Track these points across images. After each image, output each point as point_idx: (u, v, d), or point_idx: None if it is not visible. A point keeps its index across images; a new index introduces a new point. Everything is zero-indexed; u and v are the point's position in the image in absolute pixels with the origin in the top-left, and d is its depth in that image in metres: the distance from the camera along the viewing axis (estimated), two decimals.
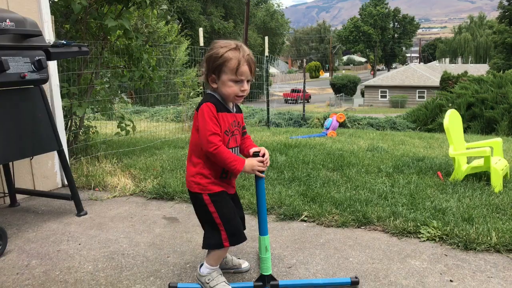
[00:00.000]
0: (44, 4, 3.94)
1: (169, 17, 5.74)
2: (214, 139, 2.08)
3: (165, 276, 2.42)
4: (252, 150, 2.23)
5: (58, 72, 4.22)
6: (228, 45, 2.13)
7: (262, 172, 2.18)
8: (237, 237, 2.23)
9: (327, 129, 8.40)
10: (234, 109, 2.27)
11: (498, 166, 3.90)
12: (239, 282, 2.36)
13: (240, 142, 2.34)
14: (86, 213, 3.48)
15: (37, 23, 3.21)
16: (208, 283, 2.24)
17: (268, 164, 2.20)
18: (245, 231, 2.33)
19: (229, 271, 2.50)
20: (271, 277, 2.27)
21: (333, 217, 3.20)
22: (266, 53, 10.40)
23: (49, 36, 3.93)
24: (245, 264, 2.53)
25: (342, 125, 10.86)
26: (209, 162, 2.18)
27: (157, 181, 4.11)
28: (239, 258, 2.57)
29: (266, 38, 10.69)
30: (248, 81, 2.17)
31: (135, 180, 4.25)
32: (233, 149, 2.24)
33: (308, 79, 61.70)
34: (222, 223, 2.19)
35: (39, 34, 3.16)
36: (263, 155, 2.20)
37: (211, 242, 2.21)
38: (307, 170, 4.46)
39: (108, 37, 5.04)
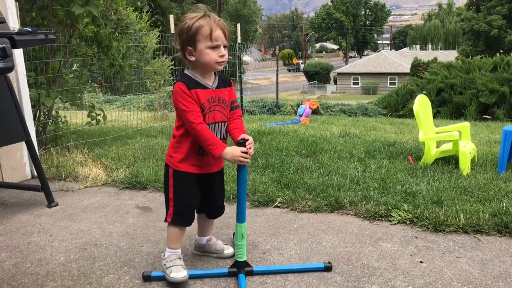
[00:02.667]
0: None
1: (138, 3, 5.64)
2: (190, 117, 2.09)
3: (138, 265, 2.41)
4: (240, 137, 2.16)
5: (25, 61, 4.10)
6: (196, 15, 2.13)
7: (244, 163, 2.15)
8: (181, 218, 2.26)
9: (300, 116, 8.44)
10: (215, 84, 2.22)
11: (466, 150, 4.00)
12: (214, 268, 2.36)
13: (230, 119, 2.30)
14: (57, 204, 3.41)
15: (0, 10, 3.10)
16: (165, 265, 2.26)
17: (251, 154, 2.14)
18: (219, 218, 2.40)
19: (211, 255, 2.51)
20: (245, 263, 2.28)
21: (306, 202, 3.24)
22: (239, 41, 10.34)
23: (13, 23, 3.81)
24: (228, 250, 2.51)
25: (315, 112, 10.91)
26: (184, 140, 2.21)
27: (129, 171, 4.06)
28: (225, 244, 2.56)
29: (239, 25, 10.61)
30: (225, 46, 2.16)
31: (107, 170, 4.19)
32: (213, 125, 2.21)
33: (281, 66, 61.69)
34: (173, 198, 2.25)
35: (2, 21, 3.07)
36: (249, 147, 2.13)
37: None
38: (280, 157, 4.48)
39: (76, 24, 4.91)
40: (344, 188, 3.47)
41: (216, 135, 2.20)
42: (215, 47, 2.12)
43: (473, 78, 13.48)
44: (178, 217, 2.26)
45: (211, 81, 2.22)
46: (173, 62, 7.94)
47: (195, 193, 2.28)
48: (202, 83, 2.18)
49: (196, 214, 2.41)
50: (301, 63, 75.85)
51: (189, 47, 2.14)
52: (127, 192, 3.73)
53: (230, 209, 3.04)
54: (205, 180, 2.31)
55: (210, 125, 2.20)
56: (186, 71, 2.22)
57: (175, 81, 2.25)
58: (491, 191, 3.35)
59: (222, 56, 2.14)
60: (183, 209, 2.26)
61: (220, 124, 2.24)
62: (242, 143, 2.12)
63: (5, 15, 3.46)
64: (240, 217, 2.26)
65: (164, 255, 2.31)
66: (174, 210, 2.25)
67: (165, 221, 2.29)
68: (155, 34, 18.21)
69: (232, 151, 2.11)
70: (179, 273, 2.19)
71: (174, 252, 2.30)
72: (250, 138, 2.15)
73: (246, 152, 2.12)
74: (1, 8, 3.51)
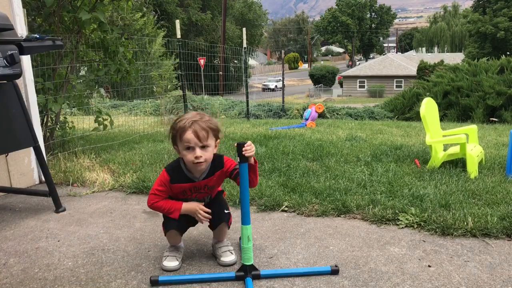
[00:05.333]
0: None
1: (144, 9, 5.67)
2: (151, 198, 2.39)
3: (146, 270, 2.41)
4: (237, 142, 2.28)
5: (32, 67, 4.14)
6: (184, 116, 2.33)
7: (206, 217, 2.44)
8: (166, 224, 2.46)
9: (306, 119, 8.44)
10: (203, 176, 2.40)
11: (473, 153, 3.98)
12: (222, 272, 2.36)
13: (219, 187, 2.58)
14: (64, 209, 3.43)
15: (8, 17, 3.13)
16: (163, 253, 2.53)
17: (252, 153, 2.28)
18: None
19: (215, 258, 2.53)
20: (252, 267, 2.28)
21: (313, 206, 3.23)
22: (245, 45, 10.37)
23: (21, 30, 3.84)
24: (225, 258, 2.46)
25: (321, 115, 10.92)
26: None
27: (136, 176, 4.07)
28: (231, 252, 2.51)
29: (244, 29, 10.64)
30: (203, 146, 2.29)
31: (114, 175, 4.21)
32: (195, 199, 2.49)
33: (287, 70, 61.75)
34: (164, 219, 2.49)
35: (10, 28, 3.09)
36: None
37: None
38: (287, 160, 4.48)
39: (83, 30, 4.95)
40: (351, 192, 3.46)
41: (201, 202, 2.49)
42: (189, 148, 2.28)
43: (480, 81, 13.42)
44: (169, 223, 2.44)
45: (198, 174, 2.40)
46: (178, 66, 7.95)
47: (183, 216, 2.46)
48: (189, 176, 2.40)
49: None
50: (307, 67, 75.86)
51: (174, 146, 2.37)
52: (134, 197, 3.74)
53: (236, 214, 3.04)
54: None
55: (192, 199, 2.48)
56: (180, 159, 2.41)
57: (167, 166, 2.46)
58: (499, 194, 3.33)
59: (197, 157, 2.28)
60: (171, 226, 2.45)
61: (203, 198, 2.52)
62: (241, 144, 2.24)
63: (13, 22, 3.49)
64: (245, 219, 2.27)
65: (167, 246, 2.58)
66: (165, 219, 2.47)
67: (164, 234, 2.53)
68: (161, 35, 18.31)
69: (187, 206, 2.40)
70: (170, 262, 2.42)
71: (171, 246, 2.54)
72: (249, 142, 2.30)
73: (205, 212, 2.42)
74: (9, 15, 3.54)
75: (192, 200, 2.47)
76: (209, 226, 2.58)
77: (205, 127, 2.28)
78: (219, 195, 2.61)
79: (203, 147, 2.29)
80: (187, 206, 2.40)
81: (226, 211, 2.52)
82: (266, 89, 38.76)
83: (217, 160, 2.44)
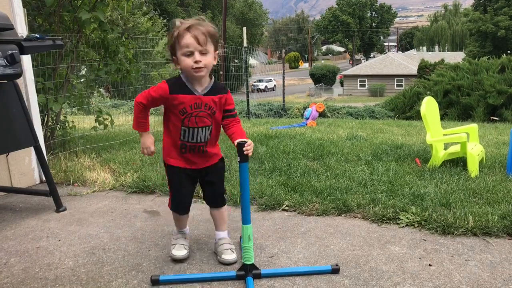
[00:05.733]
0: None
1: (145, 8, 5.67)
2: (139, 97, 2.35)
3: (146, 269, 2.41)
4: (237, 141, 2.24)
5: (33, 67, 4.14)
6: (179, 25, 2.24)
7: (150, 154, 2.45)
8: (176, 206, 2.50)
9: (307, 119, 8.44)
10: (205, 91, 2.32)
11: (474, 152, 3.98)
12: (223, 271, 2.36)
13: (227, 126, 2.43)
14: (65, 209, 3.43)
15: (8, 17, 3.13)
16: (171, 241, 2.59)
17: (251, 152, 2.23)
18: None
19: (216, 256, 2.53)
20: (253, 266, 2.28)
21: (314, 205, 3.23)
22: (245, 44, 10.37)
23: (21, 29, 3.84)
24: (225, 256, 2.46)
25: (321, 115, 10.92)
26: (169, 138, 2.42)
27: (137, 175, 4.07)
28: (232, 250, 2.50)
29: (245, 29, 10.64)
30: (202, 52, 2.23)
31: (115, 175, 4.21)
32: (196, 129, 2.35)
33: (287, 69, 61.72)
34: (170, 188, 2.51)
35: (11, 27, 3.09)
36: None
37: None
38: (287, 160, 4.48)
39: (83, 30, 4.95)
40: (351, 191, 3.46)
41: (200, 139, 2.38)
42: (188, 54, 2.22)
43: (481, 79, 13.41)
44: (174, 205, 2.50)
45: (200, 88, 2.32)
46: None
47: (186, 185, 2.46)
48: (189, 87, 2.30)
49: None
50: (307, 66, 75.78)
51: (174, 57, 2.29)
52: (135, 196, 3.74)
53: (237, 213, 3.04)
54: (197, 174, 2.48)
55: (192, 129, 2.35)
56: (181, 74, 2.33)
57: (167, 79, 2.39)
58: (500, 193, 3.32)
59: (196, 61, 2.22)
60: (177, 198, 2.48)
61: (203, 128, 2.37)
62: (242, 143, 2.20)
63: (13, 22, 3.49)
64: (245, 219, 2.27)
65: (173, 233, 2.65)
66: (171, 198, 2.50)
67: (168, 206, 2.57)
68: (162, 36, 18.30)
69: (143, 139, 2.42)
70: (178, 251, 2.47)
71: (179, 231, 2.60)
72: (249, 141, 2.24)
73: (150, 152, 2.44)
74: (9, 15, 3.54)
75: (195, 129, 2.34)
76: (206, 202, 2.61)
77: (204, 32, 2.23)
78: (218, 167, 2.54)
79: (203, 53, 2.23)
80: (143, 139, 2.42)
81: (224, 195, 2.57)
82: (255, 89, 35.66)
83: (221, 84, 2.42)
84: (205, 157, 2.44)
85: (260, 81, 46.84)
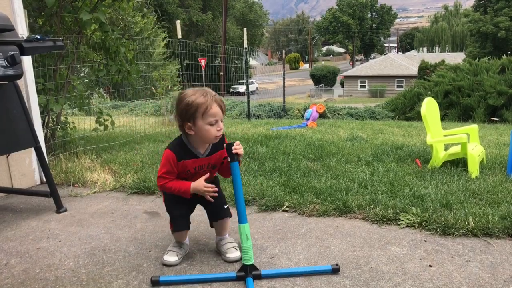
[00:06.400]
0: None
1: (145, 9, 5.67)
2: (161, 181, 2.38)
3: (147, 270, 2.42)
4: (225, 144, 2.31)
5: (33, 68, 4.14)
6: (195, 92, 2.29)
7: (212, 192, 2.41)
8: (178, 226, 2.50)
9: (307, 120, 8.44)
10: (207, 152, 2.41)
11: (474, 152, 3.98)
12: (223, 272, 2.36)
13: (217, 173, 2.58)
14: (66, 210, 3.44)
15: (9, 18, 3.14)
16: (167, 247, 2.58)
17: (241, 153, 2.29)
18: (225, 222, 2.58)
19: (220, 255, 2.55)
20: (253, 267, 2.28)
21: (314, 206, 3.23)
22: (245, 45, 10.37)
23: (22, 30, 3.85)
24: (231, 254, 2.49)
25: (322, 115, 10.92)
26: None
27: (137, 176, 4.08)
28: (236, 248, 2.53)
29: (245, 30, 10.64)
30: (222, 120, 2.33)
31: (115, 175, 4.21)
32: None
33: (288, 70, 61.70)
34: (168, 211, 2.53)
35: (11, 28, 3.10)
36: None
37: None
38: (288, 161, 4.48)
39: (84, 31, 4.95)
40: (352, 192, 3.46)
41: None
42: (213, 124, 2.28)
43: (481, 80, 13.41)
44: (176, 223, 2.50)
45: (203, 149, 2.41)
46: (180, 67, 7.97)
47: (183, 206, 2.49)
48: (194, 152, 2.39)
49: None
50: (308, 67, 75.66)
51: (188, 123, 2.30)
52: (135, 197, 3.74)
53: (235, 214, 3.03)
54: (195, 197, 2.49)
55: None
56: (182, 137, 2.41)
57: (169, 145, 2.45)
58: (500, 194, 3.32)
59: (219, 130, 2.31)
60: (173, 216, 2.50)
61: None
62: (230, 143, 2.26)
63: (14, 23, 3.50)
64: (241, 218, 2.28)
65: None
66: (172, 218, 2.51)
67: (171, 232, 2.58)
68: (162, 37, 18.32)
69: (195, 186, 2.37)
70: (169, 257, 2.46)
71: (176, 242, 2.58)
72: (238, 142, 2.31)
73: (210, 187, 2.39)
74: (10, 16, 3.54)
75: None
76: (210, 219, 2.63)
77: (222, 99, 2.33)
78: (217, 185, 2.59)
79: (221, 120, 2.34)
80: (195, 185, 2.38)
81: (225, 206, 2.58)
82: (235, 93, 30.69)
83: (219, 139, 2.46)
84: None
85: (240, 83, 43.62)
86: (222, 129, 2.33)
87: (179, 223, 2.49)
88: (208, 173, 2.45)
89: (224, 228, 2.62)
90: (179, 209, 2.49)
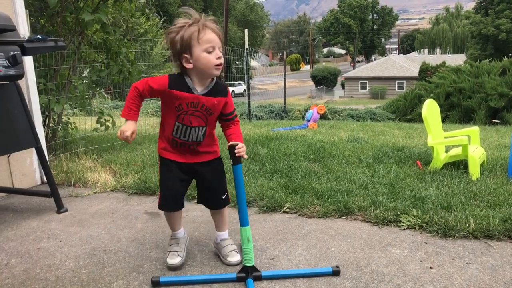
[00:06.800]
0: None
1: (147, 11, 5.68)
2: (136, 83, 2.28)
3: (147, 271, 2.42)
4: (229, 144, 2.25)
5: (35, 68, 4.14)
6: (186, 21, 2.19)
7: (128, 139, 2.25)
8: (166, 203, 2.40)
9: (308, 121, 8.44)
10: (204, 91, 2.28)
11: (475, 154, 3.98)
12: (223, 273, 2.36)
13: (225, 128, 2.43)
14: (66, 210, 3.44)
15: (10, 18, 3.14)
16: (167, 248, 2.52)
17: (243, 154, 2.24)
18: (223, 220, 2.57)
19: (220, 257, 2.53)
20: (253, 268, 2.28)
21: (315, 208, 3.23)
22: (247, 46, 10.38)
23: (24, 31, 3.85)
24: (231, 258, 2.46)
25: (323, 117, 10.92)
26: (163, 131, 2.39)
27: (138, 176, 4.07)
28: (236, 251, 2.51)
29: (246, 31, 10.66)
30: (219, 49, 2.21)
31: (116, 176, 4.21)
32: (189, 128, 2.31)
33: (288, 71, 61.71)
34: (160, 183, 2.43)
35: (13, 28, 3.10)
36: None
37: None
38: (288, 162, 4.48)
39: (85, 31, 4.96)
40: (352, 193, 3.45)
41: (192, 139, 2.34)
42: (210, 51, 2.17)
43: (482, 82, 13.41)
44: (163, 202, 2.40)
45: (201, 88, 2.28)
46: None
47: (178, 179, 2.38)
48: (190, 85, 2.25)
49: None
50: (309, 68, 75.58)
51: (185, 55, 2.19)
52: (136, 197, 3.74)
53: (237, 215, 3.03)
54: (192, 170, 2.42)
55: (185, 127, 2.31)
56: (182, 72, 2.28)
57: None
58: (501, 196, 3.32)
59: (219, 58, 2.19)
60: (167, 193, 2.39)
61: (196, 128, 2.33)
62: (233, 145, 2.22)
63: (15, 23, 3.50)
64: (243, 221, 2.27)
65: (170, 238, 2.57)
66: (161, 195, 2.41)
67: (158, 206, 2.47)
68: (162, 38, 18.30)
69: (125, 127, 2.24)
70: (172, 259, 2.40)
71: (174, 235, 2.54)
72: (241, 143, 2.25)
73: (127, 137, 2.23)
74: (12, 16, 3.55)
75: (188, 128, 2.31)
76: (206, 205, 2.55)
77: (219, 28, 2.24)
78: (215, 164, 2.48)
79: (220, 50, 2.23)
80: (127, 125, 2.26)
81: (223, 197, 2.51)
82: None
83: (221, 85, 2.36)
84: (197, 154, 2.40)
85: (231, 85, 43.82)
86: (222, 58, 2.20)
87: (168, 201, 2.39)
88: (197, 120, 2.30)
89: (223, 221, 2.58)
90: (171, 186, 2.37)
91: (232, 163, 2.23)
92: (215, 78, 2.33)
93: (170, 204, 2.41)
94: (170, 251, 2.47)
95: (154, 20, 20.98)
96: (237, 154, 2.21)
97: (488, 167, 4.23)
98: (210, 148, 2.45)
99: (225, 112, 2.39)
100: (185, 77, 2.25)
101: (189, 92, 2.24)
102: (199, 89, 2.27)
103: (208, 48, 2.16)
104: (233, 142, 2.24)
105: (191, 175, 2.45)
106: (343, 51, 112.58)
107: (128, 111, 2.29)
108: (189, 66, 2.20)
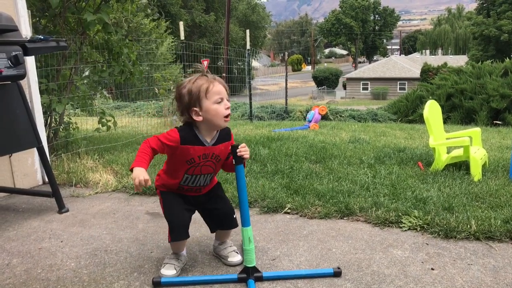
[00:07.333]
0: None
1: (149, 11, 5.68)
2: (150, 142, 2.25)
3: (148, 271, 2.42)
4: (231, 145, 2.27)
5: (37, 68, 4.15)
6: (193, 77, 2.23)
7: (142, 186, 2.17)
8: (178, 233, 2.34)
9: (310, 121, 8.44)
10: (213, 141, 2.31)
11: (477, 155, 3.97)
12: (224, 274, 2.36)
13: (220, 168, 2.46)
14: (67, 210, 3.44)
15: (13, 18, 3.14)
16: (164, 259, 2.47)
17: (247, 155, 2.25)
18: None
19: (220, 259, 2.53)
20: (255, 269, 2.28)
21: (316, 208, 3.23)
22: (248, 47, 10.38)
23: (26, 31, 3.86)
24: (232, 258, 2.47)
25: (324, 117, 10.90)
26: (169, 177, 2.38)
27: None
28: (237, 252, 2.52)
29: (248, 31, 10.67)
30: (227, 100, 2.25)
31: (117, 176, 4.22)
32: (198, 176, 2.35)
33: (290, 72, 61.73)
34: (166, 217, 2.39)
35: (15, 29, 3.10)
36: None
37: None
38: (290, 162, 4.48)
39: (87, 31, 4.96)
40: (354, 194, 3.45)
41: (199, 184, 2.39)
42: (219, 102, 2.21)
43: (484, 83, 13.38)
44: (176, 233, 2.35)
45: (210, 138, 2.31)
46: (183, 68, 8.00)
47: (184, 207, 2.39)
48: (201, 139, 2.28)
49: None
50: (310, 69, 75.57)
51: (194, 108, 2.21)
52: (137, 198, 3.74)
53: (238, 216, 3.03)
54: (195, 201, 2.45)
55: (194, 176, 2.34)
56: (190, 124, 2.30)
57: (177, 127, 2.35)
58: (503, 197, 3.32)
59: (227, 108, 2.23)
60: (176, 222, 2.35)
61: (206, 175, 2.38)
62: (235, 145, 2.22)
63: (17, 23, 3.50)
64: (245, 221, 2.28)
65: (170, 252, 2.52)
66: (171, 227, 2.36)
67: (168, 241, 2.42)
68: (168, 41, 18.34)
69: (136, 172, 2.13)
70: (167, 270, 2.34)
71: (173, 254, 2.47)
72: (243, 144, 2.26)
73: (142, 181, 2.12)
74: (14, 16, 3.55)
75: (197, 176, 2.35)
76: (219, 227, 2.53)
77: (222, 80, 2.28)
78: (216, 189, 2.53)
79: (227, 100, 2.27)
80: (137, 169, 2.15)
81: (234, 216, 2.51)
82: None
83: (225, 130, 2.38)
84: (201, 191, 2.46)
85: None
86: (229, 108, 2.24)
87: (180, 231, 2.34)
88: (197, 168, 2.32)
89: (227, 235, 2.58)
90: (180, 216, 2.36)
91: (234, 163, 2.23)
92: None
93: (182, 233, 2.36)
94: (167, 263, 2.39)
95: (158, 21, 20.99)
96: (239, 154, 2.21)
97: (490, 168, 4.23)
98: (213, 183, 2.52)
99: (227, 152, 2.42)
100: (194, 129, 2.28)
101: (201, 145, 2.28)
102: (208, 139, 2.31)
103: (217, 99, 2.20)
104: (235, 143, 2.26)
105: (195, 205, 2.48)
106: (344, 52, 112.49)
107: (138, 160, 2.19)
108: (199, 118, 2.22)
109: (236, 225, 2.50)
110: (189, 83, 2.22)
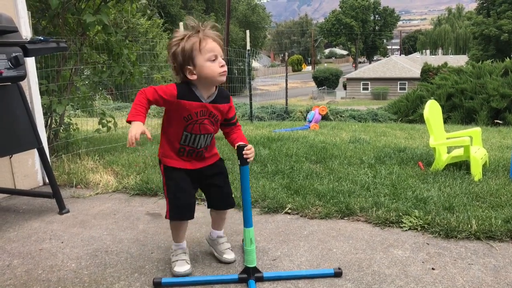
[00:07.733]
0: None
1: (148, 11, 5.69)
2: (146, 92, 2.17)
3: (149, 272, 2.42)
4: (237, 144, 2.25)
5: (37, 69, 4.15)
6: (185, 33, 2.18)
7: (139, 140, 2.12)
8: (177, 212, 2.32)
9: (310, 122, 8.43)
10: (211, 99, 2.27)
11: (477, 155, 3.97)
12: (225, 274, 2.36)
13: (228, 133, 2.43)
14: (68, 211, 3.44)
15: (12, 19, 3.15)
16: (171, 259, 2.43)
17: (252, 158, 2.23)
18: (228, 224, 2.41)
19: (214, 253, 2.55)
20: (255, 269, 2.28)
21: (317, 209, 3.22)
22: (248, 47, 10.38)
23: (26, 32, 3.86)
24: (226, 255, 2.49)
25: (324, 117, 10.89)
26: (168, 140, 2.34)
27: (139, 177, 4.08)
28: (231, 249, 2.54)
29: (248, 32, 10.66)
30: (222, 57, 2.21)
31: (118, 177, 4.22)
32: (198, 136, 2.30)
33: (290, 72, 61.71)
34: (167, 194, 2.35)
35: (15, 30, 3.11)
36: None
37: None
38: (290, 163, 4.48)
39: (87, 32, 4.97)
40: (354, 194, 3.45)
41: (200, 146, 2.34)
42: (213, 60, 2.17)
43: (484, 83, 13.38)
44: (174, 212, 2.32)
45: (207, 95, 2.27)
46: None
47: (187, 187, 2.35)
48: (197, 94, 2.24)
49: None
50: (310, 69, 75.55)
51: (188, 66, 2.18)
52: (138, 198, 3.74)
53: (239, 216, 3.04)
54: (199, 175, 2.40)
55: (194, 135, 2.30)
56: (188, 81, 2.26)
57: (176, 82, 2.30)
58: (503, 197, 3.31)
59: (222, 66, 2.19)
60: (178, 203, 2.32)
61: (205, 136, 2.34)
62: (242, 146, 2.20)
63: (17, 24, 3.51)
64: (247, 222, 2.28)
65: (171, 249, 2.48)
66: (170, 204, 2.33)
67: (165, 217, 2.37)
68: (164, 38, 18.32)
69: (136, 125, 2.09)
70: (182, 267, 2.35)
71: (179, 246, 2.45)
72: (250, 145, 2.23)
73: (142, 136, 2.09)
74: (14, 18, 3.55)
75: (197, 136, 2.30)
76: (216, 206, 2.51)
77: (220, 36, 2.23)
78: (219, 166, 2.49)
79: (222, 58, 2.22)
80: (135, 124, 2.10)
81: (232, 196, 2.52)
82: None
83: (225, 92, 2.35)
84: (203, 159, 2.41)
85: None
86: (225, 65, 2.19)
87: (184, 209, 2.32)
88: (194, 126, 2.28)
89: (223, 219, 2.58)
90: (185, 195, 2.32)
91: (239, 163, 2.23)
92: (217, 85, 2.33)
93: (186, 212, 2.33)
94: (177, 260, 2.39)
95: (155, 20, 21.00)
96: (244, 156, 2.19)
97: (490, 168, 4.22)
98: (213, 151, 2.48)
99: (228, 117, 2.40)
100: (191, 86, 2.24)
101: (198, 101, 2.24)
102: (206, 96, 2.27)
103: (211, 57, 2.17)
104: (241, 143, 2.24)
105: (198, 182, 2.44)
106: (345, 52, 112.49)
107: (135, 112, 2.14)
108: (193, 77, 2.20)
109: (233, 204, 2.51)
110: (181, 41, 2.17)
